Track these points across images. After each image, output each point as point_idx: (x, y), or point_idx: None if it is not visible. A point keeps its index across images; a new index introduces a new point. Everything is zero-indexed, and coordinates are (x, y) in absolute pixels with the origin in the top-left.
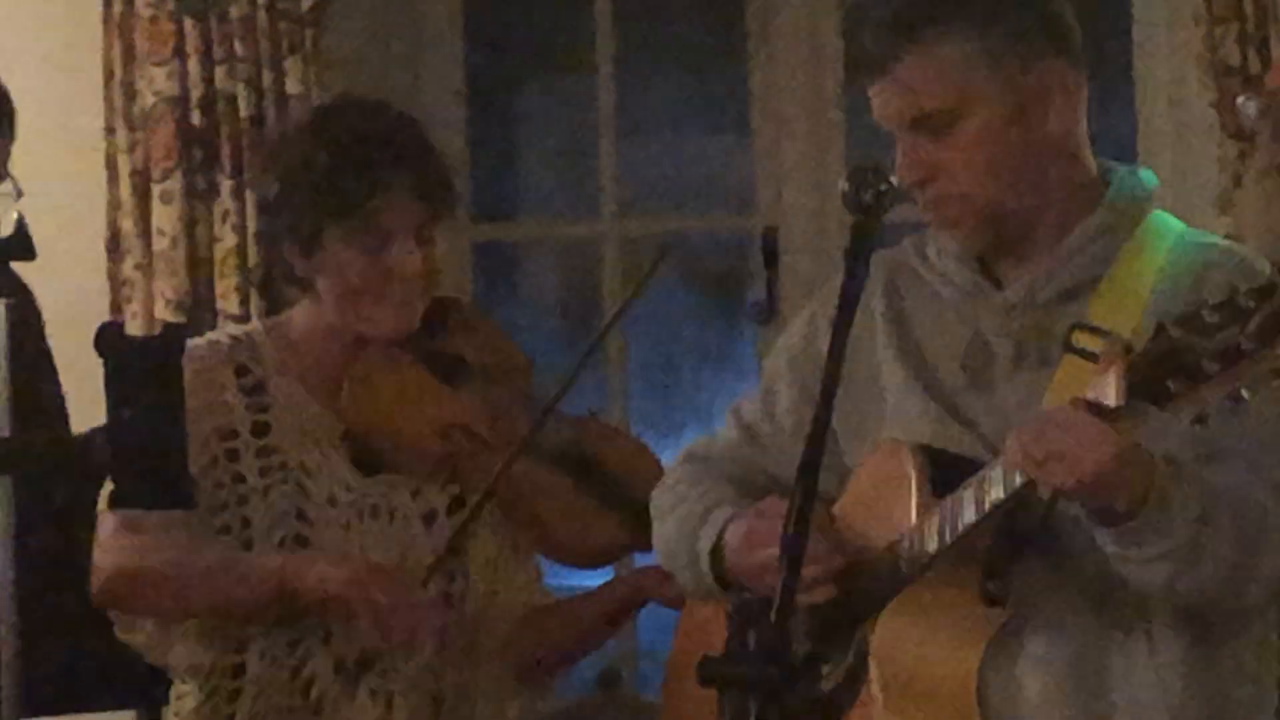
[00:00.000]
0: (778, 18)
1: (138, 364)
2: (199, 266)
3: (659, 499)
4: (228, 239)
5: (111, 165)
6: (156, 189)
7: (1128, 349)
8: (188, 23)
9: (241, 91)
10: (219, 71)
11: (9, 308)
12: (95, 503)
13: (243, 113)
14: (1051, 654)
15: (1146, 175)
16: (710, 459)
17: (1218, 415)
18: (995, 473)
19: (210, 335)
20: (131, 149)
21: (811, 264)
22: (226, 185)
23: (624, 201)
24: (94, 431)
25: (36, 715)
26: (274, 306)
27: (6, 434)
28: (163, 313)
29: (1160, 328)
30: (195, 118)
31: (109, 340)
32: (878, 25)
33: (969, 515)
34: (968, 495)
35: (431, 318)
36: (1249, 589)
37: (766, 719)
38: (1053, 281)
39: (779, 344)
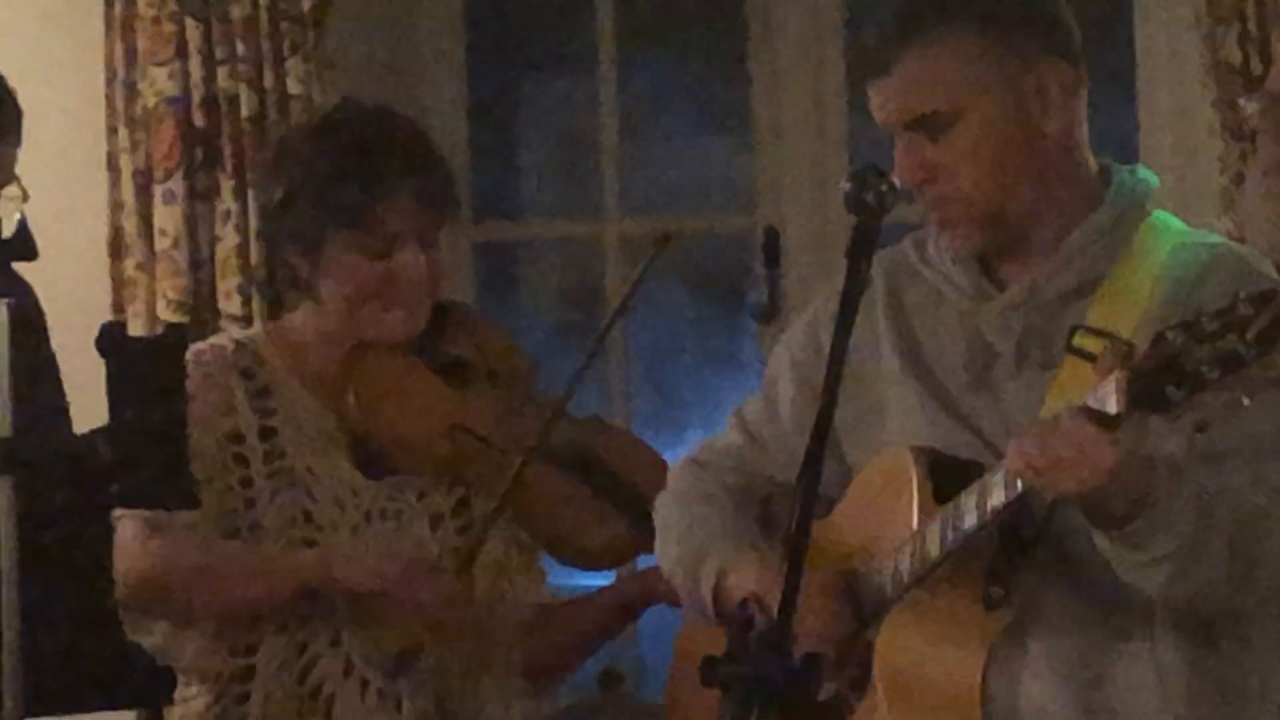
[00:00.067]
0: (779, 18)
1: (140, 364)
2: (201, 266)
3: (662, 510)
4: (229, 239)
5: (113, 165)
6: (158, 189)
7: (1125, 355)
8: (189, 23)
9: (243, 92)
10: (221, 72)
11: (11, 308)
12: (97, 503)
13: (244, 113)
14: (1054, 658)
15: (1146, 175)
16: (711, 466)
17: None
18: (996, 479)
19: (213, 339)
20: (133, 149)
21: (812, 264)
22: (228, 185)
23: (625, 201)
24: (96, 431)
25: (38, 715)
26: (276, 307)
27: (8, 434)
28: (164, 313)
29: (1160, 335)
30: (197, 118)
31: (111, 340)
32: (879, 25)
33: (970, 521)
34: (969, 501)
35: (434, 321)
36: (1248, 591)
37: None
38: (1054, 282)
39: (781, 345)
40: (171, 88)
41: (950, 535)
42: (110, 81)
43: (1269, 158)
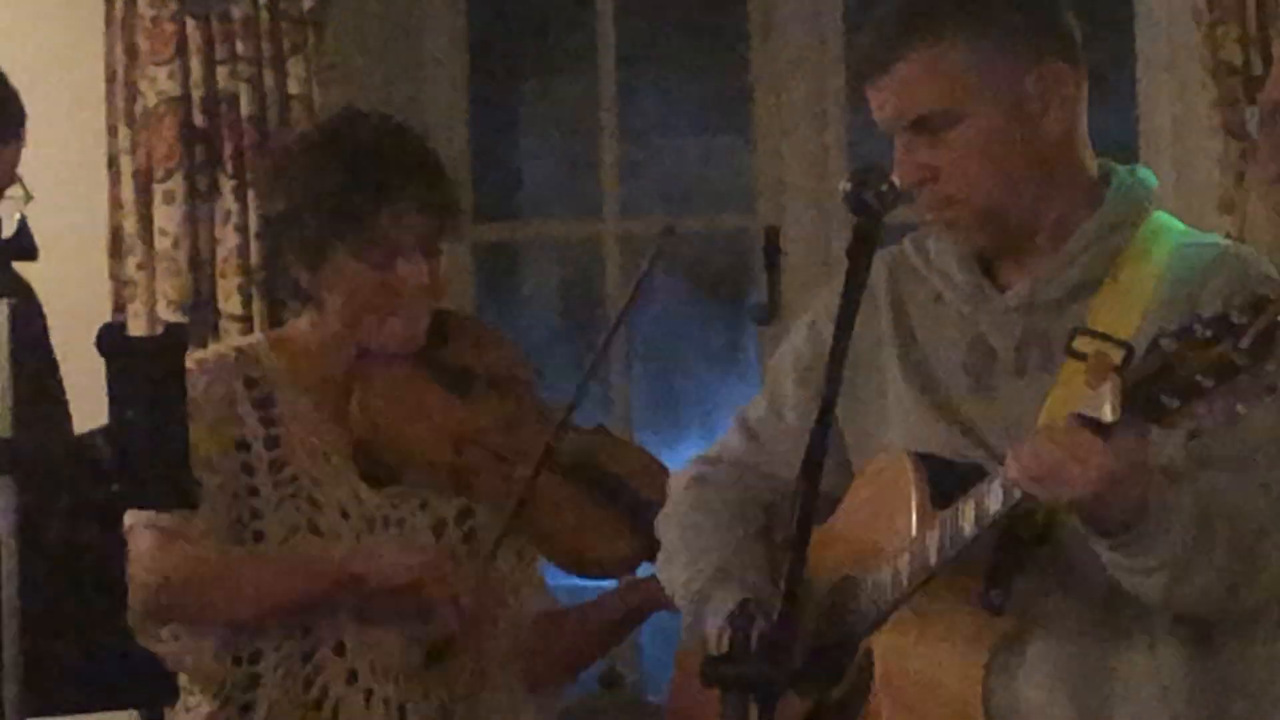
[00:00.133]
0: (779, 18)
1: (140, 364)
2: (201, 266)
3: (664, 531)
4: (229, 239)
5: (113, 165)
6: (158, 189)
7: (1119, 363)
8: (190, 23)
9: (243, 91)
10: (221, 71)
11: (11, 308)
12: (98, 503)
13: (245, 113)
14: (1055, 661)
15: (1146, 175)
16: (711, 482)
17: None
18: (994, 486)
19: (215, 347)
20: (133, 149)
21: (813, 264)
22: (228, 185)
23: (625, 202)
24: (96, 431)
25: (39, 715)
26: (277, 307)
27: (9, 434)
28: (165, 313)
29: (1154, 341)
30: (197, 118)
31: (111, 340)
32: (879, 25)
33: (969, 528)
34: (967, 508)
35: (437, 330)
36: (1246, 596)
37: None
38: (1054, 283)
39: (783, 345)
40: (172, 87)
41: (949, 542)
42: (110, 81)
43: (1267, 171)
